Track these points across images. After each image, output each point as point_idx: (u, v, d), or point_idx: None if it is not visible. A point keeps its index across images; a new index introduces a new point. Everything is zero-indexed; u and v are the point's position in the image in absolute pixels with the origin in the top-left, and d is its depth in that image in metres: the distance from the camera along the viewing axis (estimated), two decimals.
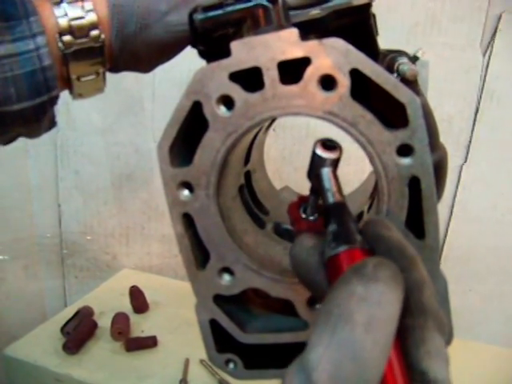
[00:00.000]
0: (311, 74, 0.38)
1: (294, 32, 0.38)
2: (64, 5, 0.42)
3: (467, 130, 1.14)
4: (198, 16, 0.41)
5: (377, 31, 0.52)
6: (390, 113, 0.40)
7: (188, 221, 0.44)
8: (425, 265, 0.40)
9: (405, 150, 0.38)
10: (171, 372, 0.78)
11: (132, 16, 0.44)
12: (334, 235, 0.35)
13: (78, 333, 0.88)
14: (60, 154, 1.27)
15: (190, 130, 0.43)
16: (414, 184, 0.39)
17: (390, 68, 0.53)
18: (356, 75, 0.38)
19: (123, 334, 0.89)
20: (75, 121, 1.20)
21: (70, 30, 0.42)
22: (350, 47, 0.37)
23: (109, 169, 1.25)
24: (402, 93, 0.37)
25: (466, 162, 1.16)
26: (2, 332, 1.17)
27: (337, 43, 0.37)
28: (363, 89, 0.39)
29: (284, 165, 1.26)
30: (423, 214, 0.39)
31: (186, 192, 0.43)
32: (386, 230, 0.33)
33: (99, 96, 0.51)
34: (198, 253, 0.45)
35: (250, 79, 0.40)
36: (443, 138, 0.55)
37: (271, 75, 0.39)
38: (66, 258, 1.35)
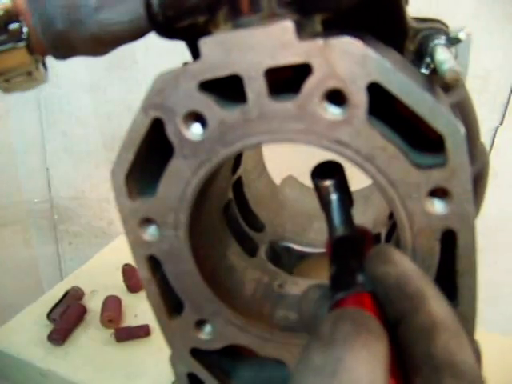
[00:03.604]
0: (313, 87, 0.27)
1: (288, 27, 0.26)
2: None
3: (506, 89, 0.99)
4: None
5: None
6: (419, 137, 0.29)
7: (156, 262, 0.35)
8: None
9: (439, 195, 0.28)
10: (163, 370, 0.72)
11: (56, 9, 0.32)
12: (333, 280, 0.28)
13: (65, 321, 0.82)
14: (45, 114, 1.15)
15: (154, 151, 0.33)
16: (448, 236, 0.29)
17: (422, 49, 0.40)
18: (374, 88, 0.27)
19: (114, 321, 0.83)
20: (59, 76, 1.07)
21: None
22: (370, 52, 0.26)
23: (99, 129, 1.14)
24: (440, 120, 0.26)
25: (501, 124, 1.02)
26: None
27: (351, 45, 0.26)
28: (383, 105, 0.28)
29: None
30: (457, 274, 0.30)
31: (150, 231, 0.34)
32: (383, 266, 0.25)
33: None
34: (170, 298, 0.36)
35: (230, 89, 0.29)
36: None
37: (256, 87, 0.28)
38: (58, 223, 1.28)
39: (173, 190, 0.32)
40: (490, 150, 1.03)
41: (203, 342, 0.37)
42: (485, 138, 0.47)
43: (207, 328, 0.36)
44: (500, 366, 0.69)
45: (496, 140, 1.03)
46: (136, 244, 0.34)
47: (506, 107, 1.01)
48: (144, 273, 0.35)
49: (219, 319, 0.35)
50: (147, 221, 0.33)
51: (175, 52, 0.43)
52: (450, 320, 0.23)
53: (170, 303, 0.36)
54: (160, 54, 1.14)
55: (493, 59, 0.99)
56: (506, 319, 1.13)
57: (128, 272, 0.95)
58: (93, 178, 1.20)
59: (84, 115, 1.15)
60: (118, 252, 1.11)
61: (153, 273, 0.35)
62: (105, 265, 1.05)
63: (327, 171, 0.33)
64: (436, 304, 0.23)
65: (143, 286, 0.36)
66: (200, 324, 0.36)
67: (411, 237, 0.29)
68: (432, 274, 0.30)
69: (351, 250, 0.30)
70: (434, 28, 0.41)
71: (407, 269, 0.25)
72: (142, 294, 1.00)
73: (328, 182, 0.32)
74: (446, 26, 0.43)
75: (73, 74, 1.09)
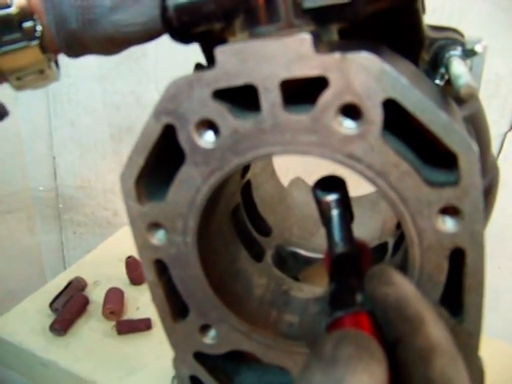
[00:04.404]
0: (328, 100, 0.27)
1: (305, 39, 0.26)
2: None
3: None
4: (171, 2, 0.29)
5: (424, 8, 0.39)
6: (431, 151, 0.29)
7: (162, 266, 0.35)
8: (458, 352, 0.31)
9: (450, 213, 0.28)
10: (164, 364, 0.72)
11: (71, 9, 0.32)
12: (332, 298, 0.28)
13: (67, 311, 0.83)
14: (53, 103, 1.15)
15: (165, 156, 0.33)
16: (457, 253, 0.29)
17: (437, 60, 0.40)
18: (389, 102, 0.27)
19: (115, 313, 0.84)
20: (69, 66, 1.07)
21: None
22: (387, 67, 0.26)
23: (107, 120, 1.14)
24: (454, 138, 0.26)
25: (511, 129, 1.02)
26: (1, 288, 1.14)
27: (368, 60, 0.26)
28: (396, 118, 0.28)
29: None
30: (463, 291, 0.30)
31: (158, 235, 0.34)
32: (383, 287, 0.26)
33: None
34: (176, 302, 0.36)
35: (245, 97, 0.29)
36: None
37: (271, 98, 0.28)
38: (63, 212, 1.28)
39: (183, 196, 0.32)
40: (498, 155, 1.03)
41: (207, 346, 0.37)
42: (493, 143, 0.47)
43: (212, 333, 0.37)
44: (502, 373, 0.70)
45: (505, 145, 1.02)
46: (143, 247, 0.34)
47: None
48: (150, 276, 0.35)
49: (224, 325, 0.35)
50: (155, 225, 0.33)
51: (186, 47, 0.43)
52: (447, 344, 0.23)
53: (176, 307, 0.37)
54: (170, 47, 1.13)
55: (505, 64, 0.98)
56: (507, 324, 1.13)
57: (131, 264, 0.95)
58: (99, 169, 1.20)
59: (92, 105, 1.15)
60: (122, 243, 1.11)
61: (159, 276, 0.35)
62: (108, 256, 1.05)
63: (329, 186, 0.33)
64: (434, 328, 0.23)
65: (149, 288, 0.37)
66: (204, 329, 0.36)
67: (420, 253, 0.29)
68: (439, 290, 0.30)
69: (351, 268, 0.30)
70: (450, 38, 0.41)
71: (407, 291, 0.25)
72: (145, 287, 0.99)
73: (330, 198, 0.32)
74: (462, 36, 0.42)
75: (82, 63, 1.08)
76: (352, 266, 0.30)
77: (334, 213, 0.32)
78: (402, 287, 0.25)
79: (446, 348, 0.22)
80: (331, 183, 0.33)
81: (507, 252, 1.12)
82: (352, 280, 0.28)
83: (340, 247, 0.31)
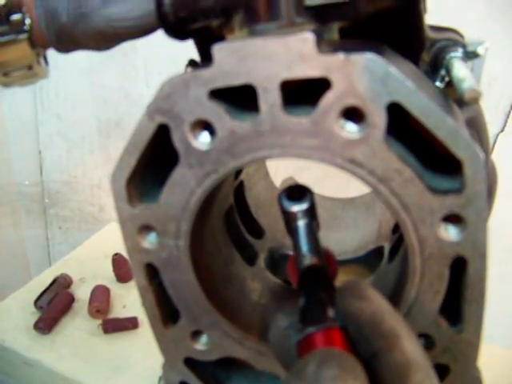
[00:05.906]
0: (330, 103, 0.26)
1: (309, 39, 0.25)
2: None
3: (509, 95, 0.98)
4: None
5: (425, 8, 0.38)
6: (434, 156, 0.28)
7: (153, 270, 0.34)
8: (456, 361, 0.30)
9: (453, 221, 0.27)
10: (151, 364, 0.71)
11: (61, 2, 0.31)
12: (302, 313, 0.27)
13: (52, 309, 0.81)
14: (40, 96, 1.13)
15: (157, 156, 0.31)
16: (458, 263, 0.28)
17: (437, 61, 0.39)
18: (391, 107, 0.26)
19: (101, 312, 0.82)
20: (56, 59, 1.04)
21: None
22: (392, 70, 0.25)
23: (95, 114, 1.11)
24: (460, 145, 0.25)
25: (502, 131, 1.01)
26: None
27: (373, 62, 0.25)
28: (397, 121, 0.27)
29: None
30: (464, 301, 0.29)
31: (149, 238, 0.33)
32: (357, 302, 0.25)
33: None
34: (167, 306, 0.35)
35: (243, 97, 0.28)
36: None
37: (270, 99, 0.27)
38: (49, 207, 1.26)
39: (176, 199, 0.30)
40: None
41: (198, 352, 0.36)
42: None
43: (203, 339, 0.36)
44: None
45: (496, 147, 1.02)
46: (134, 250, 0.33)
47: (508, 114, 1.00)
48: (141, 280, 0.34)
49: (216, 331, 0.34)
50: (147, 228, 0.32)
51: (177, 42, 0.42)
52: (423, 360, 0.23)
53: (166, 312, 0.35)
54: (161, 40, 1.11)
55: (499, 65, 0.97)
56: (492, 327, 1.13)
57: (118, 261, 0.93)
58: (86, 164, 1.18)
59: (80, 99, 1.12)
60: (108, 239, 1.09)
61: (150, 280, 0.34)
62: (94, 252, 1.03)
63: (296, 196, 0.32)
64: (410, 343, 0.23)
65: (139, 293, 0.35)
66: (196, 335, 0.35)
67: (421, 261, 0.28)
68: (439, 299, 0.29)
69: (320, 281, 0.29)
70: (451, 39, 0.40)
71: (381, 306, 0.25)
72: (132, 284, 0.98)
73: (296, 208, 0.31)
74: (462, 37, 0.42)
75: (70, 57, 1.06)
76: (321, 278, 0.29)
77: (301, 223, 0.31)
78: (376, 302, 0.25)
79: (422, 364, 0.22)
80: (298, 193, 0.32)
81: (493, 253, 1.13)
82: (322, 294, 0.27)
83: (308, 259, 0.30)
